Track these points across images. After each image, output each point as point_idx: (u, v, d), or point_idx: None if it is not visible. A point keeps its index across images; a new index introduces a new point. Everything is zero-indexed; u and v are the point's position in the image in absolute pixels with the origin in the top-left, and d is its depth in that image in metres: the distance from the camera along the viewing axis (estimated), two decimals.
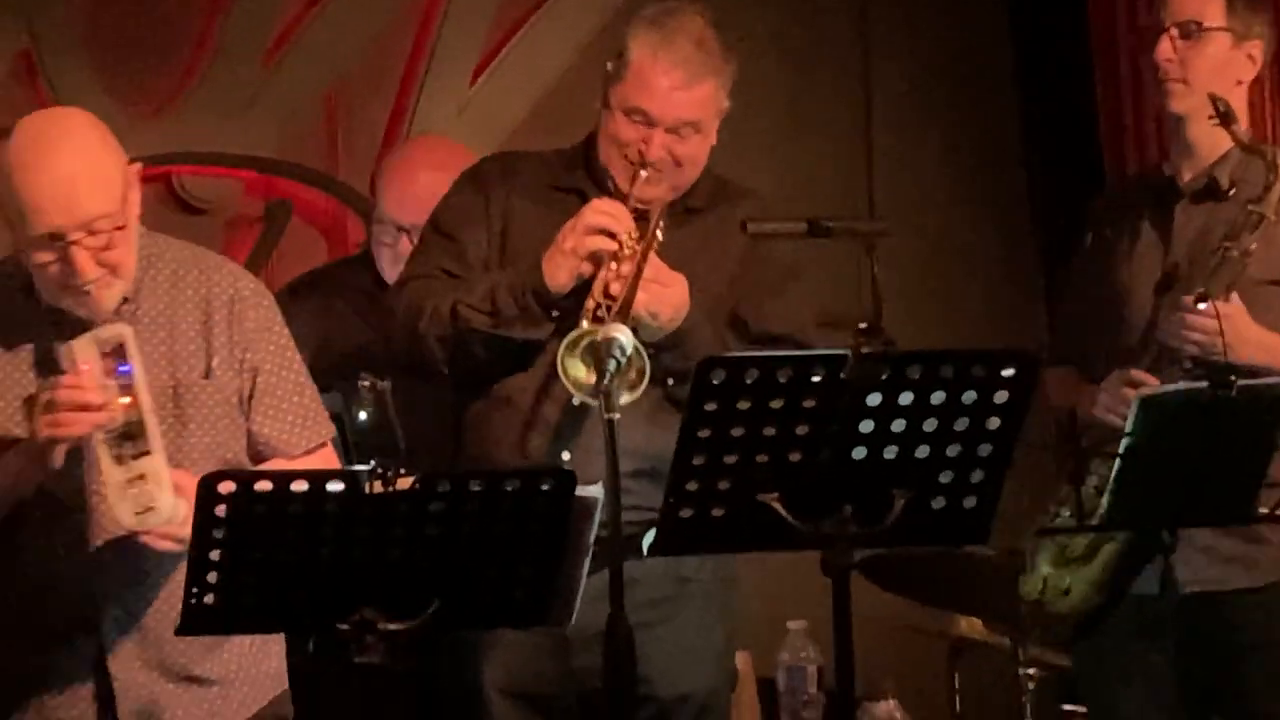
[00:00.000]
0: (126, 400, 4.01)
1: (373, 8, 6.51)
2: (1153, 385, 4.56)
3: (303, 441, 4.31)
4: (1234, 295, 4.63)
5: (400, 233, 5.44)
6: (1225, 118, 4.67)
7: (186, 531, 3.89)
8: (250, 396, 4.27)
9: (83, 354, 4.02)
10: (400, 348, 4.69)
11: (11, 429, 4.13)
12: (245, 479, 3.75)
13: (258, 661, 4.31)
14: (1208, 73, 4.77)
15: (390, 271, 5.40)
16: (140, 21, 6.31)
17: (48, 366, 4.14)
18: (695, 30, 4.61)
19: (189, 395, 4.20)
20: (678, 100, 4.57)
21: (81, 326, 4.08)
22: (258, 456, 4.29)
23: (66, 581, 4.18)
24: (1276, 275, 4.75)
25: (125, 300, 4.17)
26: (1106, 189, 5.13)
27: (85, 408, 3.99)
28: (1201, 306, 4.62)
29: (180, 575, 4.00)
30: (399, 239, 5.44)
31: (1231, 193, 4.72)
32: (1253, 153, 4.68)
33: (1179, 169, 4.87)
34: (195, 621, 3.84)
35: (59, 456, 4.04)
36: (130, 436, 4.01)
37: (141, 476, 4.00)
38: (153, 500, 4.00)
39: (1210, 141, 4.79)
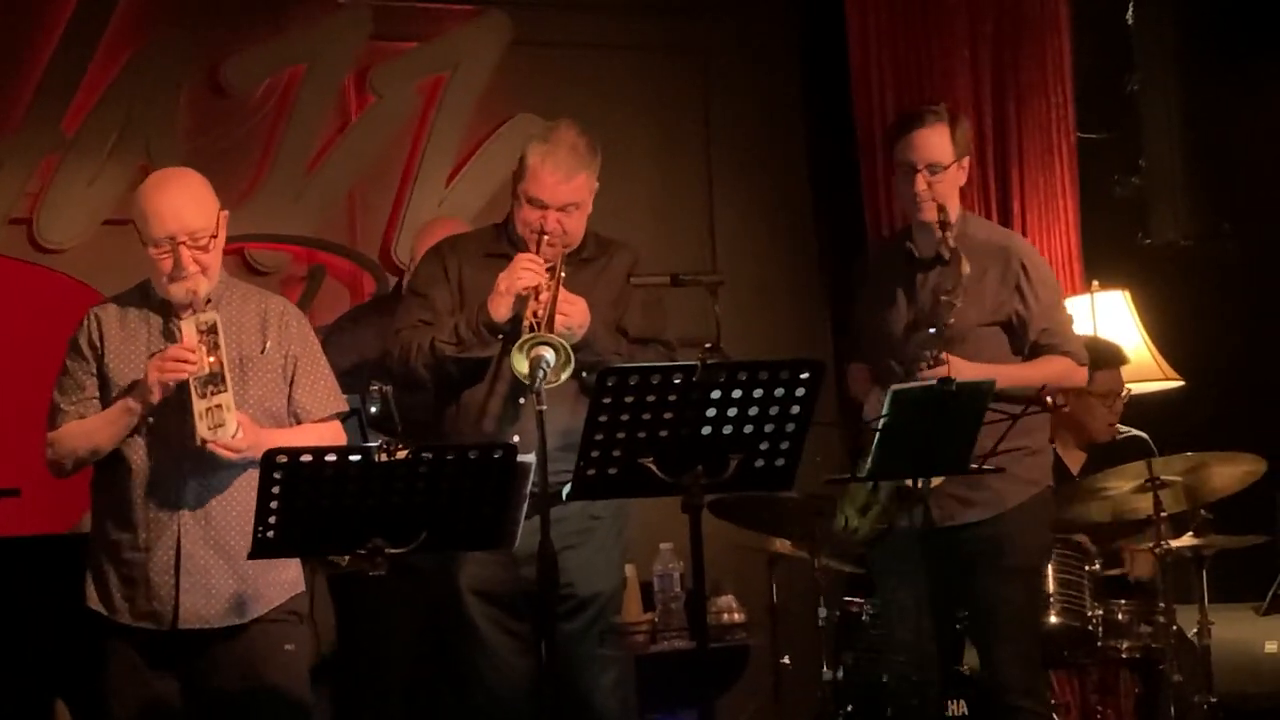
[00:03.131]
0: (212, 359, 4.06)
1: (379, 135, 6.44)
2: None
3: (322, 410, 4.28)
4: (943, 354, 4.63)
5: None
6: (943, 227, 4.70)
7: (240, 448, 4.03)
8: (292, 375, 4.25)
9: (187, 329, 4.11)
10: (398, 376, 4.66)
11: (129, 379, 4.17)
12: (294, 453, 3.73)
13: (280, 569, 4.21)
14: (946, 191, 4.79)
15: None
16: (223, 144, 6.24)
17: (161, 337, 4.20)
18: (570, 139, 4.60)
19: (249, 364, 4.21)
20: (561, 190, 4.56)
21: (176, 315, 4.17)
22: (294, 416, 4.26)
23: (161, 480, 4.14)
24: (983, 320, 4.76)
25: (209, 301, 4.19)
26: (869, 250, 5.13)
27: (186, 361, 4.05)
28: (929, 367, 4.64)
29: (236, 482, 4.12)
30: None
31: (948, 257, 4.72)
32: (952, 255, 4.68)
33: (918, 245, 4.86)
34: (261, 549, 3.83)
35: (158, 394, 4.08)
36: (212, 381, 4.05)
37: (218, 406, 4.04)
38: (221, 421, 4.04)
39: (938, 229, 4.78)
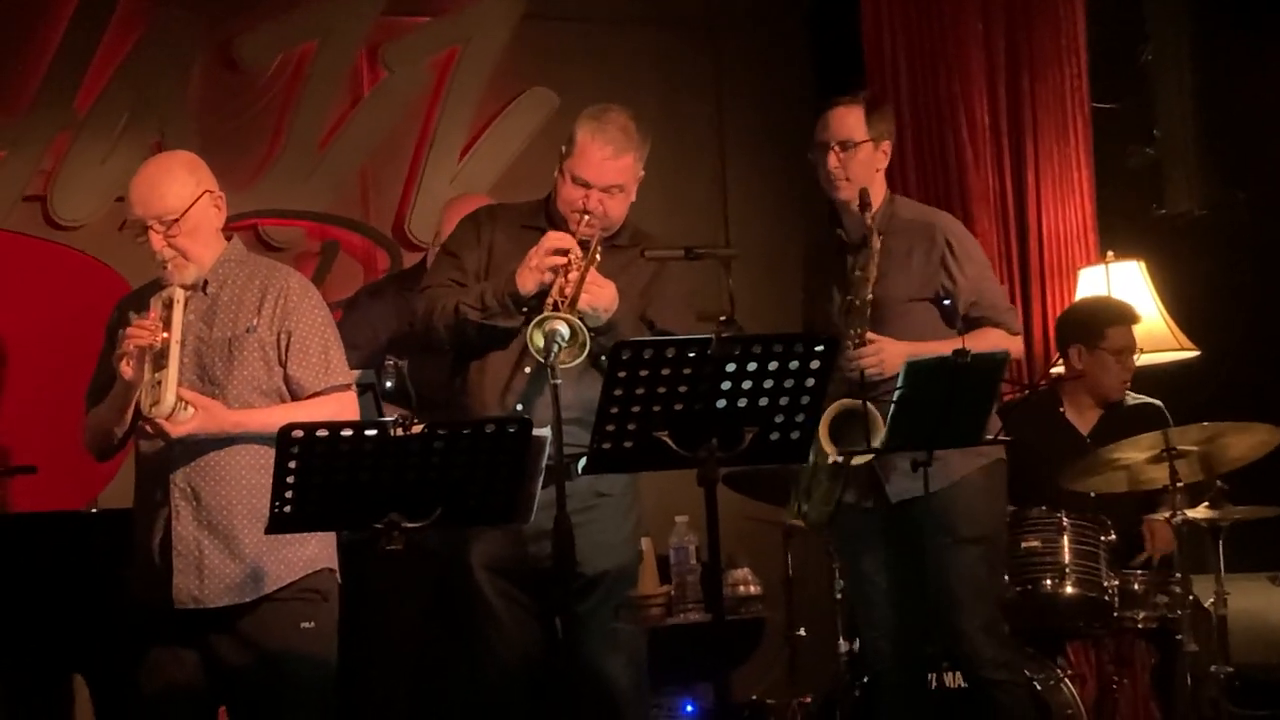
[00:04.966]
0: (166, 334, 4.06)
1: (391, 111, 6.44)
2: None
3: (316, 383, 4.22)
4: (868, 333, 4.65)
5: None
6: (863, 207, 4.70)
7: (177, 430, 4.03)
8: (286, 350, 4.21)
9: (153, 304, 4.12)
10: (419, 332, 4.62)
11: None
12: (310, 428, 3.72)
13: (294, 546, 4.18)
14: (859, 171, 4.78)
15: None
16: (236, 122, 6.25)
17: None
18: (622, 121, 4.57)
19: (237, 343, 4.18)
20: (608, 169, 4.52)
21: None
22: (291, 393, 4.22)
23: (156, 460, 4.16)
24: (911, 296, 4.76)
25: (206, 283, 4.20)
26: (811, 244, 5.18)
27: (134, 335, 4.06)
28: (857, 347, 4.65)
29: (227, 462, 4.11)
30: None
31: (880, 239, 4.72)
32: (867, 233, 4.68)
33: (846, 230, 4.84)
34: (278, 524, 3.81)
35: (126, 369, 4.08)
36: (160, 356, 4.05)
37: (159, 382, 4.03)
38: (159, 398, 4.03)
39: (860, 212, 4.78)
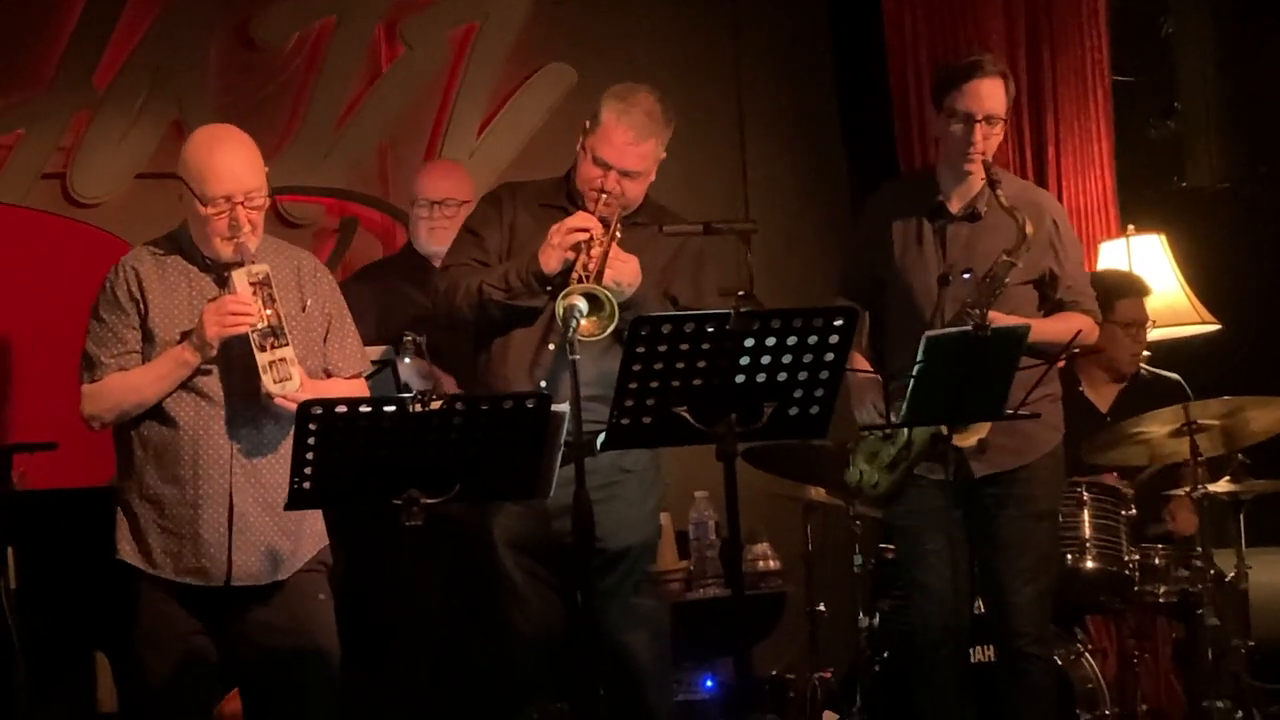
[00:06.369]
0: (269, 312, 4.09)
1: (409, 87, 6.44)
2: None
3: (352, 367, 4.34)
4: (990, 311, 4.57)
5: (433, 207, 5.39)
6: (993, 184, 4.62)
7: (292, 406, 3.99)
8: (326, 333, 4.30)
9: (240, 281, 4.13)
10: (442, 313, 4.63)
11: (174, 332, 4.18)
12: (330, 404, 3.74)
13: (314, 520, 4.28)
14: (992, 146, 4.71)
15: (425, 238, 5.36)
16: (254, 99, 6.24)
17: (204, 292, 4.21)
18: (648, 105, 4.56)
19: (291, 321, 4.19)
20: (629, 153, 4.52)
21: (225, 270, 4.19)
22: (325, 372, 4.30)
23: (211, 436, 4.16)
24: (1025, 279, 4.69)
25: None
26: (881, 189, 5.04)
27: (244, 314, 4.08)
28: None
29: (285, 438, 4.11)
30: (432, 211, 5.39)
31: (985, 212, 4.67)
32: (1010, 215, 4.58)
33: (950, 198, 4.77)
34: (298, 500, 3.84)
35: (215, 347, 4.11)
36: (273, 334, 4.08)
37: (281, 360, 4.08)
38: (289, 375, 4.08)
39: (973, 183, 4.73)
